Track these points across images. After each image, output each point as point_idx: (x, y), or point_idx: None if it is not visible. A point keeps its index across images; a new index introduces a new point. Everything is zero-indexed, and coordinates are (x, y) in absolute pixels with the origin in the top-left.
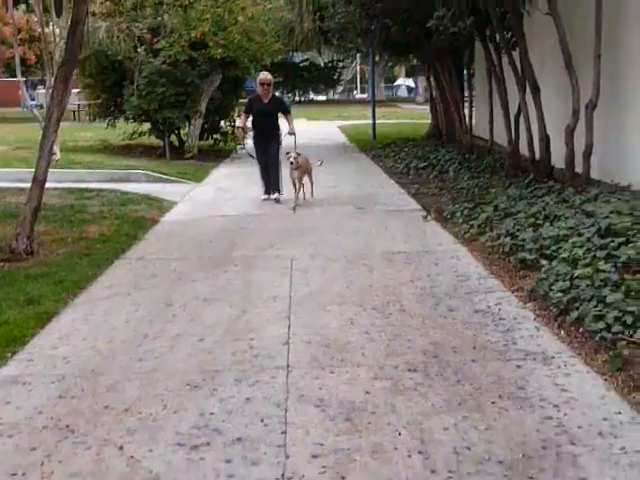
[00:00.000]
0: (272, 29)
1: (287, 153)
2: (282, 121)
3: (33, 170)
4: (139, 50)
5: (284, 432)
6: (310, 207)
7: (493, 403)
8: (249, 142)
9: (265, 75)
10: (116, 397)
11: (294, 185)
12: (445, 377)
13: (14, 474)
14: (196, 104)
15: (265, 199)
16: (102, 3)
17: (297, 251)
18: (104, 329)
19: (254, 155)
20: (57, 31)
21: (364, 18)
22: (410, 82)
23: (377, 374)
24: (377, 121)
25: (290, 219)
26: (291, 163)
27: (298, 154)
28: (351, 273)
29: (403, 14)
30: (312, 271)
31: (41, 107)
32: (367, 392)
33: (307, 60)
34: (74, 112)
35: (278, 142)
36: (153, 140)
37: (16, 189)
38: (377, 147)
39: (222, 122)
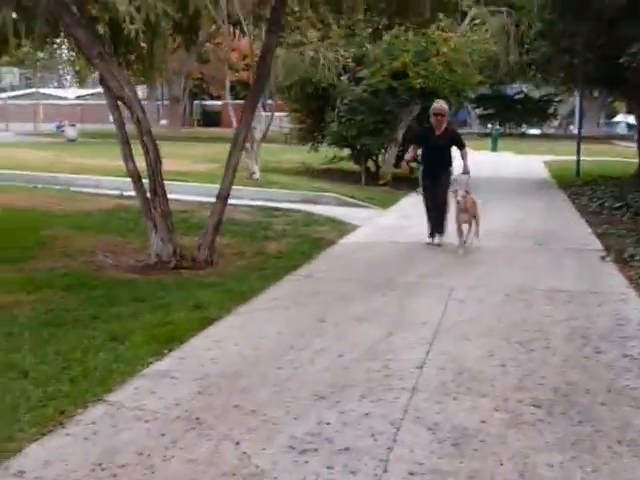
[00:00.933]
0: (476, 61)
1: (455, 191)
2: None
3: (235, 187)
4: (342, 78)
5: (390, 448)
6: (488, 240)
7: (609, 447)
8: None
9: (440, 104)
10: (247, 398)
11: (459, 228)
12: (568, 416)
13: (140, 454)
14: (393, 132)
15: (429, 243)
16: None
17: (459, 281)
18: (256, 337)
19: (421, 192)
20: None
21: (564, 52)
22: (631, 119)
23: (499, 406)
24: (586, 158)
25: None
26: (457, 202)
27: (467, 193)
28: (507, 307)
29: (598, 50)
30: (468, 302)
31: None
32: (483, 421)
33: (521, 92)
34: (285, 135)
35: (448, 180)
36: (352, 165)
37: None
38: (577, 184)
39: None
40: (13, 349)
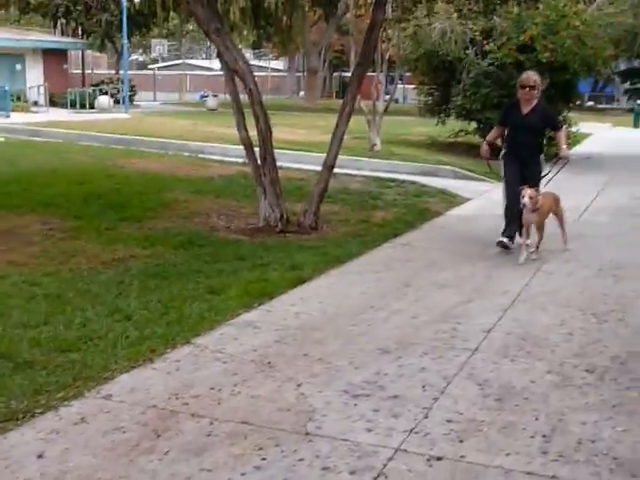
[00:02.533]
0: (610, 34)
1: (520, 189)
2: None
3: (352, 157)
4: (468, 52)
5: (436, 399)
6: (597, 215)
7: None
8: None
9: (527, 75)
10: (317, 349)
11: (527, 231)
12: (617, 382)
13: (212, 388)
14: None
15: (499, 242)
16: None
17: (554, 254)
18: (340, 296)
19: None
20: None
21: None
22: None
23: (552, 369)
24: None
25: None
26: (523, 205)
27: (536, 191)
28: (594, 281)
29: None
30: (557, 274)
31: (395, 101)
32: (532, 381)
33: None
34: (419, 108)
35: (537, 169)
36: (478, 139)
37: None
38: None
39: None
40: (122, 295)
